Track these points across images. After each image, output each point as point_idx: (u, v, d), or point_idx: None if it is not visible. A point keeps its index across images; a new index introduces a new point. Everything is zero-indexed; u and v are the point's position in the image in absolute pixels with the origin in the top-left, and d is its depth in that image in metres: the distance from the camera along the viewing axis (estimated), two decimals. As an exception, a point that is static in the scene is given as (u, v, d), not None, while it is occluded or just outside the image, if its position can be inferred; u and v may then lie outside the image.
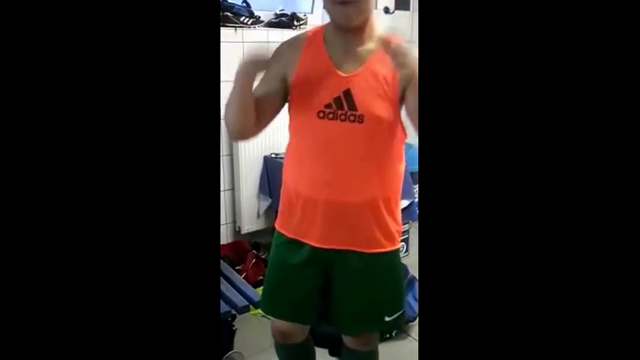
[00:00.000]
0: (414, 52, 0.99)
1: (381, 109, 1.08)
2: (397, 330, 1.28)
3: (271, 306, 1.28)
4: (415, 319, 1.98)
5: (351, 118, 1.07)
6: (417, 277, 1.86)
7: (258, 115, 1.12)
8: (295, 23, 2.68)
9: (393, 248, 1.19)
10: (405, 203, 2.80)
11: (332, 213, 1.14)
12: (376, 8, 3.13)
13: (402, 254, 2.54)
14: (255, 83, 1.11)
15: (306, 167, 1.15)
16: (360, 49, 1.11)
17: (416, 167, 2.24)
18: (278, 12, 2.63)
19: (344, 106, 1.07)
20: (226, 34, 2.41)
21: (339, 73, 1.09)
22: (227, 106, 1.10)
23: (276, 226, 1.25)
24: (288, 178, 1.21)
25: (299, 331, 1.30)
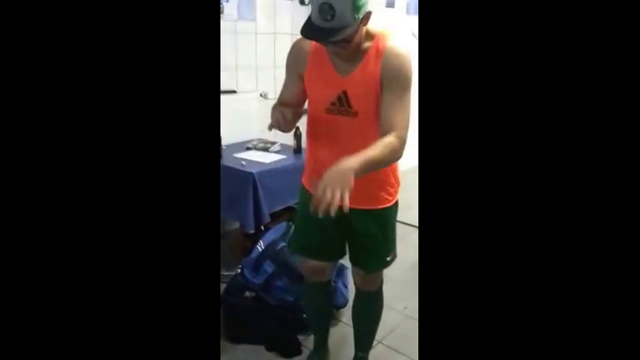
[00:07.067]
0: (403, 50, 1.29)
1: (370, 103, 1.33)
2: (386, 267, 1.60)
3: (302, 248, 1.64)
4: (346, 305, 2.12)
5: (349, 114, 1.37)
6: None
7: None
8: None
9: (392, 203, 1.53)
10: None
11: None
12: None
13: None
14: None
15: (320, 146, 1.48)
16: (357, 51, 1.31)
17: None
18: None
19: (343, 103, 1.36)
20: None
21: (339, 76, 1.35)
22: None
23: (303, 181, 1.59)
24: (310, 147, 1.54)
25: (326, 269, 1.68)
